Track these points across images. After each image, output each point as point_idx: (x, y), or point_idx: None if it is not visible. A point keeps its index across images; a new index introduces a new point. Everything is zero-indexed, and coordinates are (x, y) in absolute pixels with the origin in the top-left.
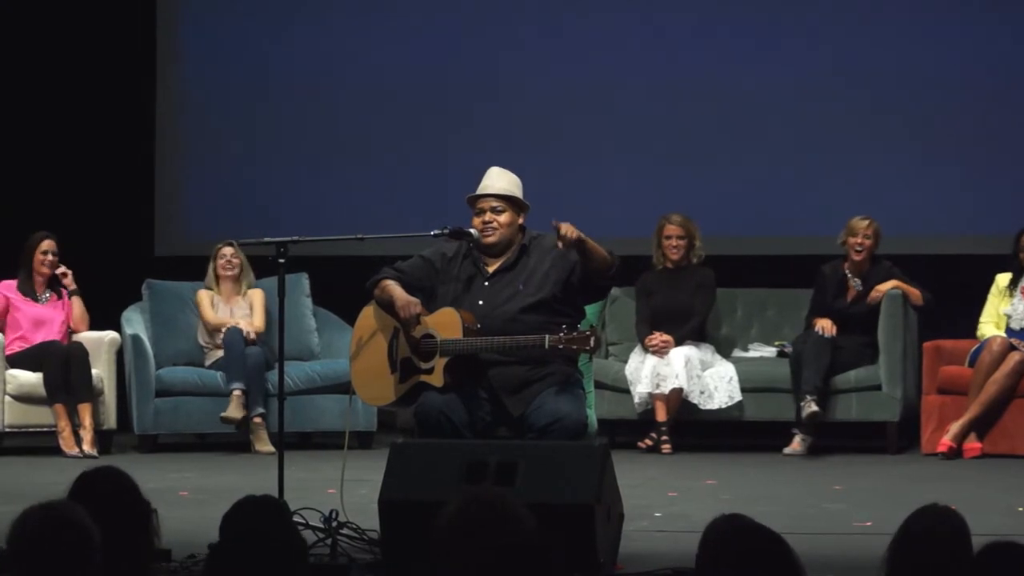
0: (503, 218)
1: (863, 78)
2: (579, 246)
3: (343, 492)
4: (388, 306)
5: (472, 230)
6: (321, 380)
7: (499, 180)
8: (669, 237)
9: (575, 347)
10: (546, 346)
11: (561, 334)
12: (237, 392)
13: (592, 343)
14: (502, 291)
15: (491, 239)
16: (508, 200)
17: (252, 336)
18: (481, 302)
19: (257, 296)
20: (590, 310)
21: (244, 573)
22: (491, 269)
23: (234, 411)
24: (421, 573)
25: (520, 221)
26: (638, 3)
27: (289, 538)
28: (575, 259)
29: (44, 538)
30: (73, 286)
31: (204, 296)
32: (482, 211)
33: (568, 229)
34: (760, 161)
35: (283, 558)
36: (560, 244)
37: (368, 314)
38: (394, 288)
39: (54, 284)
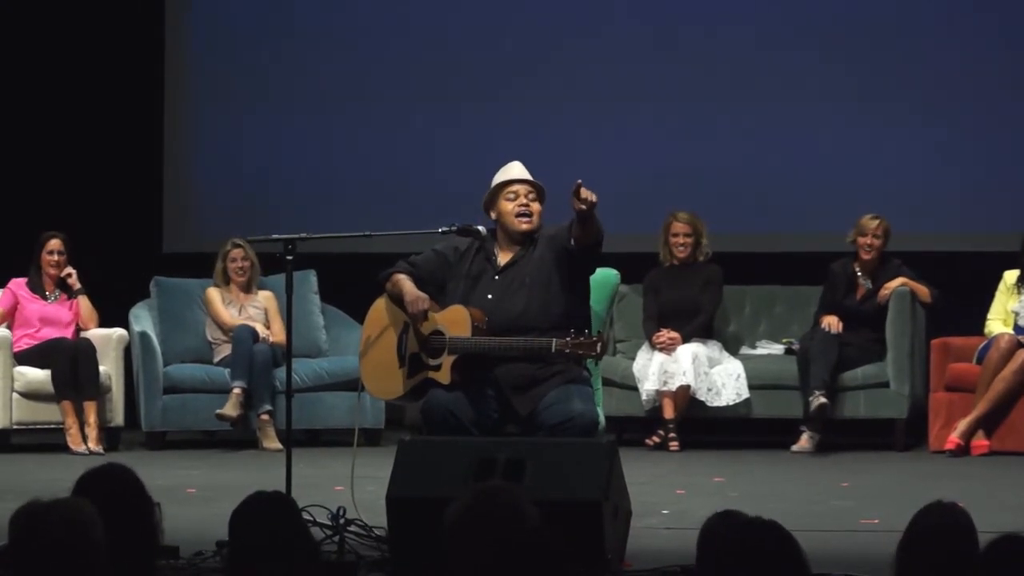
0: (537, 206)
1: (873, 77)
2: (589, 213)
3: (353, 489)
4: (398, 300)
5: (480, 227)
6: (329, 377)
7: (525, 173)
8: (676, 235)
9: (581, 352)
10: (553, 350)
11: (568, 339)
12: (237, 390)
13: (598, 349)
14: (511, 284)
15: (528, 226)
16: (539, 192)
17: (271, 340)
18: (490, 296)
19: (272, 304)
20: (598, 304)
21: (258, 570)
22: (502, 263)
23: (230, 409)
24: (430, 570)
25: None
26: (651, 9)
27: (300, 535)
28: (563, 241)
29: (46, 535)
30: (78, 286)
31: (215, 294)
32: (516, 195)
33: (590, 194)
34: (769, 157)
35: (295, 555)
36: (576, 202)
37: (380, 307)
38: (405, 283)
39: (64, 283)
